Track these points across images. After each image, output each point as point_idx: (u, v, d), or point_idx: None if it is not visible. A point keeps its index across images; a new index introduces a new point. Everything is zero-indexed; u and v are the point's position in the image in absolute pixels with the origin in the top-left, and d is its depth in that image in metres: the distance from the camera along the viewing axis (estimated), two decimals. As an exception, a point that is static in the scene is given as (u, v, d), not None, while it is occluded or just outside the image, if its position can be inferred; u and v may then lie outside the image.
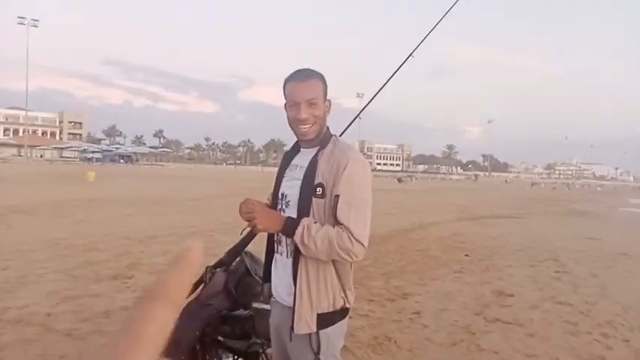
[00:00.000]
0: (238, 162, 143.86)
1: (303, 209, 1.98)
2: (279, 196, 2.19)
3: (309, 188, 1.97)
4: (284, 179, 2.20)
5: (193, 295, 3.21)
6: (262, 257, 3.45)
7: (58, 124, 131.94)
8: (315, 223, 1.92)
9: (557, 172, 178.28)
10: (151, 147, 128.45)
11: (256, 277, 3.23)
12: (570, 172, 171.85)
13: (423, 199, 31.97)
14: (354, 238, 1.88)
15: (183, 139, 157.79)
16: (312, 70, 2.06)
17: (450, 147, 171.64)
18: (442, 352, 4.58)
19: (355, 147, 2.16)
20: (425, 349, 4.60)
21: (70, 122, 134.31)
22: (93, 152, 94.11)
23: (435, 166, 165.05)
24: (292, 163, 2.20)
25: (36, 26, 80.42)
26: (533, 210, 27.26)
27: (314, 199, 1.95)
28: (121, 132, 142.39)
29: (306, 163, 2.05)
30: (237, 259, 3.36)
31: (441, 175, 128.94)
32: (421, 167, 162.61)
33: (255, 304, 3.19)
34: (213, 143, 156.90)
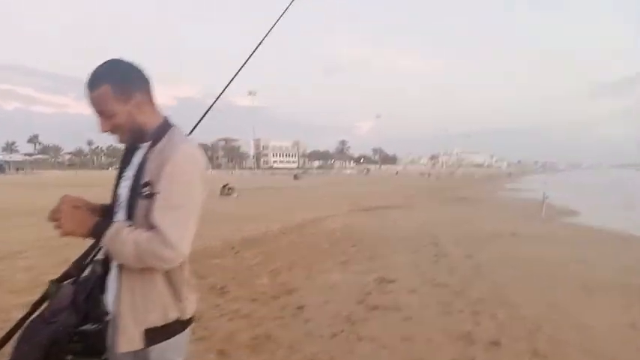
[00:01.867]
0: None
1: (132, 211, 1.77)
2: (116, 197, 1.97)
3: (136, 188, 1.76)
4: (122, 178, 1.97)
5: (36, 314, 2.86)
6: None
7: None
8: (130, 226, 1.72)
9: (441, 162, 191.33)
10: (25, 154, 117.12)
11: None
12: (452, 162, 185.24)
13: (317, 194, 32.47)
14: (167, 242, 1.64)
15: (63, 143, 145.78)
16: (98, 74, 1.77)
17: (343, 143, 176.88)
18: (322, 344, 4.59)
19: (191, 140, 1.94)
20: (305, 343, 4.57)
21: None
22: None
23: (329, 161, 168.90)
24: (132, 159, 1.97)
25: None
26: (419, 199, 28.87)
27: (139, 200, 1.74)
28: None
29: (137, 161, 1.85)
30: (88, 269, 3.06)
31: (335, 170, 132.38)
32: (316, 163, 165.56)
33: (109, 317, 2.92)
34: (97, 147, 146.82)
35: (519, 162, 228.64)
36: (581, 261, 9.46)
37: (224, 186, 29.18)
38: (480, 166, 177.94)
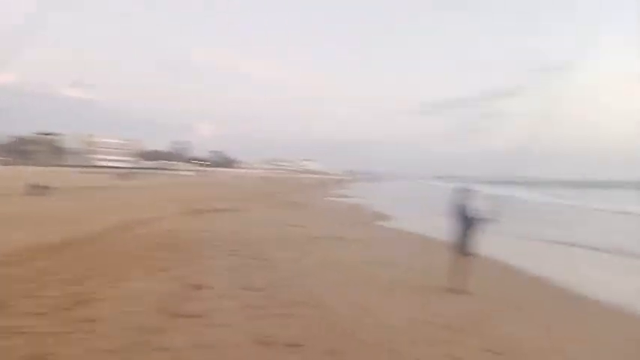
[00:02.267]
0: None
1: None
2: None
3: None
4: None
5: None
6: None
7: None
8: None
9: (278, 167, 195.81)
10: None
11: None
12: (289, 167, 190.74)
13: (146, 196, 30.64)
14: None
15: None
16: None
17: (182, 143, 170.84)
18: (111, 358, 4.22)
19: None
20: (91, 359, 4.16)
21: None
22: None
23: (166, 162, 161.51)
24: None
25: None
26: (252, 203, 29.02)
27: None
28: None
29: None
30: None
31: (172, 171, 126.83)
32: (151, 163, 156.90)
33: None
34: None
35: (351, 171, 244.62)
36: (389, 263, 10.27)
37: (34, 185, 26.06)
38: (315, 173, 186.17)
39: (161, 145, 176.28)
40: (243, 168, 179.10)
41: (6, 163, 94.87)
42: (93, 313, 5.43)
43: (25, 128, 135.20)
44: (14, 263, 7.90)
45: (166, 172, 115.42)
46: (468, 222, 7.70)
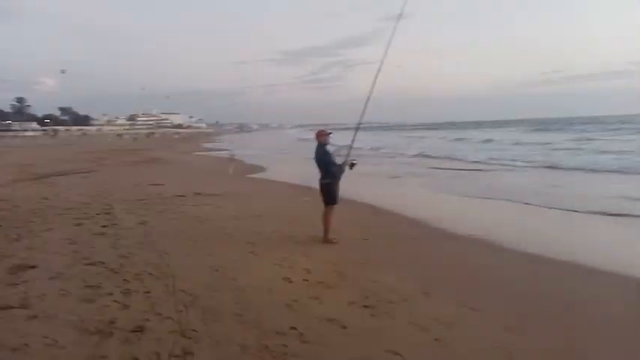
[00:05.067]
0: None
1: None
2: None
3: None
4: None
5: None
6: None
7: None
8: None
9: (139, 122, 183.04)
10: None
11: None
12: (151, 123, 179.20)
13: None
14: None
15: None
16: None
17: (21, 100, 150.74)
18: None
19: None
20: None
21: None
22: None
23: (4, 122, 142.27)
24: None
25: None
26: (108, 162, 26.54)
27: None
28: None
29: None
30: None
31: (12, 132, 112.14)
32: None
33: None
34: None
35: (217, 123, 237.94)
36: (257, 215, 9.70)
37: None
38: (179, 126, 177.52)
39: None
40: (99, 125, 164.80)
41: None
42: None
43: None
44: None
45: (7, 133, 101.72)
46: (328, 169, 7.36)
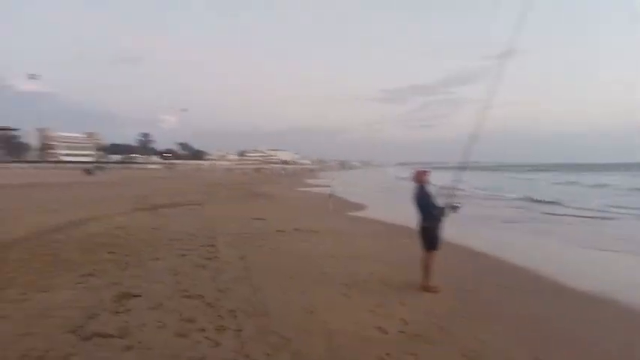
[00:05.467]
0: None
1: None
2: None
3: None
4: None
5: None
6: None
7: None
8: None
9: (248, 158, 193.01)
10: None
11: None
12: (259, 158, 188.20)
13: (105, 190, 29.15)
14: None
15: None
16: None
17: (146, 135, 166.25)
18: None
19: None
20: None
21: None
22: None
23: (131, 155, 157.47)
24: None
25: None
26: (217, 196, 27.85)
27: None
28: None
29: None
30: None
31: (137, 164, 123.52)
32: (116, 157, 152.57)
33: None
34: None
35: (320, 160, 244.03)
36: (354, 255, 9.47)
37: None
38: (285, 162, 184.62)
39: (125, 138, 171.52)
40: (211, 160, 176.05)
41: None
42: (-19, 340, 4.39)
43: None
44: None
45: (131, 165, 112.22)
46: (428, 211, 6.91)
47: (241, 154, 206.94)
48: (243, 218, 15.50)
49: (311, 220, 15.18)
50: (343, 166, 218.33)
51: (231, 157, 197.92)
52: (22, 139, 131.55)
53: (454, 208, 6.93)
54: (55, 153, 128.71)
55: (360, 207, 21.96)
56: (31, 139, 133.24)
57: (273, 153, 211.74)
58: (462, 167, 7.36)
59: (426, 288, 6.91)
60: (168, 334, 4.75)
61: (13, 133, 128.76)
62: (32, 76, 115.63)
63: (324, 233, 12.49)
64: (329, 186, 35.73)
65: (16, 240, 9.93)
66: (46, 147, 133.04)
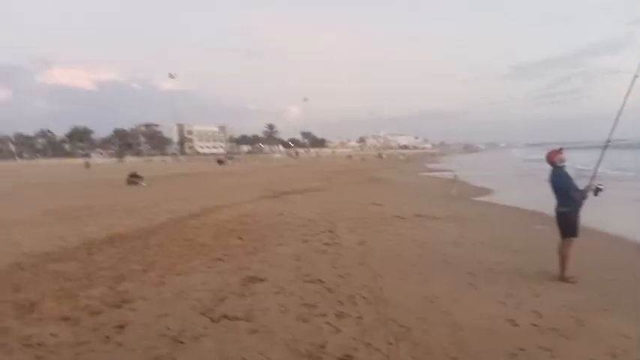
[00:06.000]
0: (37, 155, 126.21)
1: None
2: None
3: None
4: None
5: None
6: None
7: None
8: None
9: (368, 144, 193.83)
10: None
11: None
12: (378, 144, 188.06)
13: (234, 179, 31.07)
14: None
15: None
16: None
17: (271, 126, 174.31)
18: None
19: None
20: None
21: None
22: None
23: (258, 145, 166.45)
24: None
25: None
26: (338, 181, 28.25)
27: None
28: None
29: None
30: None
31: (264, 154, 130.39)
32: (245, 148, 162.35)
33: None
34: (3, 135, 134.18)
35: (442, 143, 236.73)
36: (479, 242, 8.98)
37: (131, 174, 27.29)
38: (405, 147, 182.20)
39: (252, 129, 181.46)
40: (333, 147, 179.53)
41: (111, 155, 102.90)
42: (125, 318, 4.86)
43: (127, 122, 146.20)
44: (70, 258, 7.67)
45: (259, 155, 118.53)
46: (567, 195, 6.22)
47: (361, 140, 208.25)
48: (362, 204, 15.51)
49: (433, 206, 14.71)
50: (467, 148, 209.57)
51: (352, 143, 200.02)
52: (164, 134, 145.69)
53: (596, 190, 6.19)
54: (192, 145, 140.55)
55: (485, 191, 20.85)
56: (172, 134, 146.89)
57: (392, 138, 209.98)
58: (607, 146, 6.53)
59: (563, 278, 6.30)
60: (291, 319, 4.85)
61: (157, 128, 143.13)
62: (172, 76, 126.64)
63: (447, 219, 12.01)
64: (451, 170, 34.55)
65: (157, 226, 10.92)
66: (184, 140, 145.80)
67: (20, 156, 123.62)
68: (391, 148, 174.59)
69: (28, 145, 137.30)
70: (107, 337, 4.33)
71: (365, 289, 5.91)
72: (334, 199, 17.66)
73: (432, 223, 11.32)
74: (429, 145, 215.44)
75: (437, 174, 36.88)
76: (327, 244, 8.86)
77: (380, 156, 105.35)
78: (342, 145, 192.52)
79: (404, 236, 9.69)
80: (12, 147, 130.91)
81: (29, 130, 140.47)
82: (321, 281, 6.26)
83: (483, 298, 5.61)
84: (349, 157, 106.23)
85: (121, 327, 4.57)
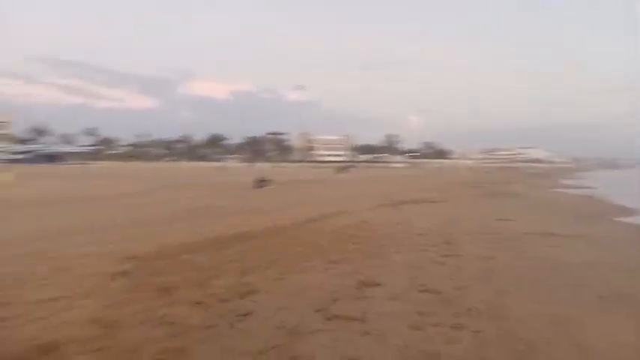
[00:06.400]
0: (176, 158, 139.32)
1: None
2: None
3: None
4: None
5: None
6: None
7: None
8: None
9: (495, 156, 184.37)
10: (82, 145, 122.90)
11: None
12: (505, 157, 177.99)
13: (353, 187, 31.55)
14: None
15: (121, 136, 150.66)
16: None
17: (392, 136, 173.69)
18: (240, 363, 3.80)
19: None
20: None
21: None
22: (16, 153, 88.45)
23: (378, 155, 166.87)
24: None
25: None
26: (458, 193, 27.37)
27: None
28: (47, 131, 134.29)
29: None
30: None
31: (384, 163, 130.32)
32: (365, 157, 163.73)
33: None
34: (152, 140, 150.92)
35: (577, 158, 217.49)
36: (613, 264, 8.16)
37: (259, 179, 29.01)
38: (537, 161, 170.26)
39: (373, 139, 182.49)
40: (455, 159, 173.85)
41: (242, 161, 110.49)
42: (249, 307, 5.22)
43: (259, 129, 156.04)
44: (202, 251, 8.38)
45: (378, 164, 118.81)
46: None
47: (487, 152, 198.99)
48: (485, 217, 14.88)
49: (566, 225, 13.63)
50: (608, 164, 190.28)
51: (476, 155, 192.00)
52: (288, 142, 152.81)
53: None
54: (315, 154, 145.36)
55: (629, 212, 18.78)
56: (296, 142, 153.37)
57: (522, 151, 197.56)
58: None
59: None
60: (404, 325, 4.83)
61: (282, 137, 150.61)
62: (298, 87, 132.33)
63: (581, 239, 11.05)
64: (589, 187, 31.62)
65: (279, 227, 11.49)
66: (307, 148, 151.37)
67: (165, 159, 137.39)
68: (520, 161, 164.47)
69: (171, 150, 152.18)
70: (232, 323, 4.69)
71: (485, 303, 5.68)
72: (454, 211, 17.13)
73: (564, 242, 10.48)
74: (562, 160, 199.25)
75: (572, 190, 34.00)
76: (445, 255, 8.65)
77: (503, 169, 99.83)
78: (466, 156, 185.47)
79: (531, 254, 9.10)
80: (157, 151, 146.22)
81: (173, 136, 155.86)
82: (438, 292, 6.13)
83: (618, 325, 5.09)
84: (472, 169, 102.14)
85: (245, 315, 4.92)
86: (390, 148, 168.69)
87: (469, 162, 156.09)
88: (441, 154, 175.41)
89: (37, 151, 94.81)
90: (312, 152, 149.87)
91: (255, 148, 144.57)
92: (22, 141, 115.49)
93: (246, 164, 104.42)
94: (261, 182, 28.61)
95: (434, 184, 38.28)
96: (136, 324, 4.58)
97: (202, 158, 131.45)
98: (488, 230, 12.03)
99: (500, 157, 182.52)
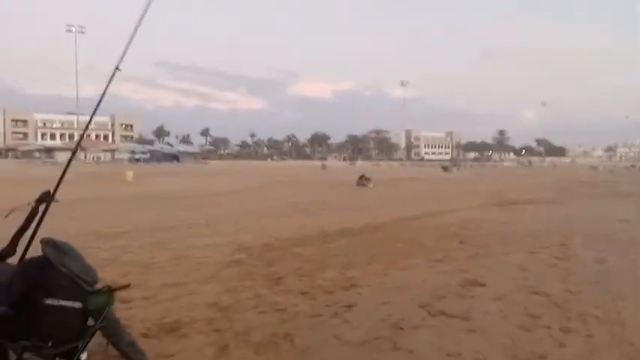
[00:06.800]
0: (284, 157, 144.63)
1: None
2: None
3: None
4: None
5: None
6: (71, 246, 2.96)
7: (110, 127, 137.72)
8: None
9: (619, 154, 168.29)
10: (198, 146, 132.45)
11: (62, 270, 2.78)
12: (633, 154, 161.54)
13: (457, 186, 30.68)
14: None
15: (231, 136, 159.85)
16: None
17: (502, 132, 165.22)
18: (345, 351, 3.99)
19: None
20: (324, 348, 4.02)
21: (122, 125, 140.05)
22: (141, 153, 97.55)
23: (486, 152, 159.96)
24: None
25: (83, 32, 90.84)
26: (575, 193, 25.50)
27: None
28: (169, 132, 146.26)
29: None
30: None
31: (492, 161, 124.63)
32: (472, 155, 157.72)
33: (49, 301, 2.73)
34: (259, 139, 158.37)
35: None
36: None
37: (361, 176, 29.30)
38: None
39: (481, 135, 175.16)
40: (573, 156, 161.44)
41: (344, 159, 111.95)
42: (353, 300, 5.40)
43: (359, 128, 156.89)
44: (313, 245, 8.75)
45: (486, 162, 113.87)
46: None
47: (610, 149, 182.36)
48: (605, 218, 13.78)
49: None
50: None
51: (597, 153, 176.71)
52: (392, 140, 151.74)
53: None
54: (418, 151, 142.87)
55: None
56: (400, 139, 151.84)
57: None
58: None
59: None
60: (510, 325, 4.72)
61: (385, 134, 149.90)
62: (403, 83, 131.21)
63: None
64: None
65: (381, 224, 11.63)
66: (411, 146, 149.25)
67: (271, 157, 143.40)
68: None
69: (277, 149, 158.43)
70: (336, 313, 4.90)
71: (599, 308, 5.36)
72: (570, 211, 16.04)
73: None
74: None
75: None
76: (557, 257, 8.21)
77: (630, 168, 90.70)
78: (585, 154, 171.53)
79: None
80: (265, 150, 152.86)
81: (279, 136, 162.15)
82: (548, 294, 5.88)
83: None
84: (593, 167, 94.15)
85: (349, 307, 5.11)
86: (499, 145, 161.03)
87: (590, 160, 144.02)
88: (557, 151, 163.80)
89: (157, 151, 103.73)
90: (416, 150, 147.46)
91: (356, 146, 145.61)
92: (145, 142, 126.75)
93: (347, 162, 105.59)
94: (363, 180, 28.88)
95: (547, 183, 35.96)
96: (249, 309, 4.97)
97: (307, 157, 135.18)
98: (607, 232, 11.17)
99: (625, 154, 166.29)
